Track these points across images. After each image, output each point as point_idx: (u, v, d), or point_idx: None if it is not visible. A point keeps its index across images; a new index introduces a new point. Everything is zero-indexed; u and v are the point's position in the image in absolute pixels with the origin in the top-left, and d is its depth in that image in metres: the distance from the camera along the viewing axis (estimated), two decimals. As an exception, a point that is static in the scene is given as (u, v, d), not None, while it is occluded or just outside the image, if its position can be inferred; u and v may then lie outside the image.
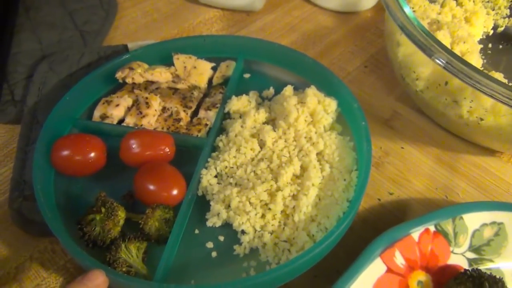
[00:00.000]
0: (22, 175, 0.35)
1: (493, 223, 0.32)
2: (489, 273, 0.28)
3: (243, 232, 0.31)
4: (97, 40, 0.47)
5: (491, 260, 0.31)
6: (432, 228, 0.31)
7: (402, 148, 0.41)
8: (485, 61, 0.49)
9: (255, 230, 0.31)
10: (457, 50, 0.42)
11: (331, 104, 0.38)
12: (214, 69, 0.44)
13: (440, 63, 0.33)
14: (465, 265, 0.30)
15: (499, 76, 0.44)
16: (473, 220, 0.32)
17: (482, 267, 0.30)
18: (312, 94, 0.38)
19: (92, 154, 0.33)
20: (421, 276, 0.29)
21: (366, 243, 0.30)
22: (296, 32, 0.54)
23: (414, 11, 0.48)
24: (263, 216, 0.32)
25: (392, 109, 0.45)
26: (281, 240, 0.31)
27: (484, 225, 0.32)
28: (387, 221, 0.36)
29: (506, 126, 0.35)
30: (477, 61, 0.42)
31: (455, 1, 0.51)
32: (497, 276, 0.28)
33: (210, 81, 0.43)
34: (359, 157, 0.34)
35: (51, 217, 0.30)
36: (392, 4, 0.37)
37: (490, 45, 0.50)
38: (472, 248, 0.31)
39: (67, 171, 0.34)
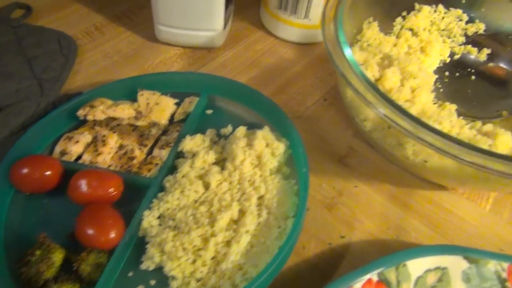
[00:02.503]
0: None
1: (437, 268, 0.32)
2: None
3: (173, 277, 0.32)
4: (55, 87, 0.47)
5: (434, 308, 0.31)
6: (375, 278, 0.31)
7: (356, 186, 0.41)
8: (442, 90, 0.49)
9: (184, 276, 0.31)
10: (407, 86, 0.42)
11: (279, 147, 0.38)
12: (180, 104, 0.45)
13: (378, 112, 0.33)
14: (407, 314, 0.31)
15: (452, 107, 0.45)
16: (417, 266, 0.32)
17: (425, 316, 0.30)
18: (261, 136, 0.39)
19: (48, 172, 0.36)
20: (362, 329, 0.29)
21: (313, 293, 0.30)
22: (257, 67, 0.54)
23: (368, 44, 0.49)
24: (194, 262, 0.32)
25: (348, 145, 0.45)
26: (206, 288, 0.31)
27: (428, 271, 0.32)
28: (338, 266, 0.36)
29: (450, 168, 0.35)
30: (427, 96, 0.43)
31: (410, 32, 0.51)
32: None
33: (173, 117, 0.44)
34: (299, 204, 0.34)
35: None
36: (333, 51, 0.37)
37: (447, 73, 0.51)
38: (415, 297, 0.31)
39: (25, 188, 0.37)
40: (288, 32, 0.57)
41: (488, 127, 0.39)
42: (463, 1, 0.51)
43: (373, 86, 0.34)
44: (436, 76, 0.50)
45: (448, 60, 0.52)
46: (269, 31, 0.59)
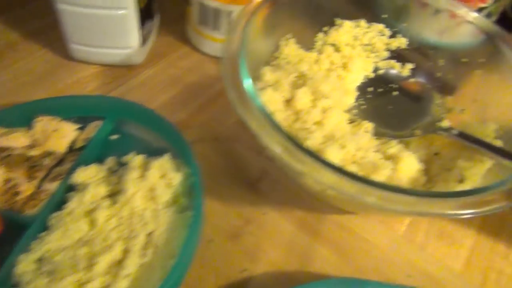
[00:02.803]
0: None
1: (329, 305, 0.31)
2: None
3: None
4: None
5: None
6: (261, 319, 0.29)
7: (265, 214, 0.40)
8: (364, 107, 0.48)
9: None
10: (319, 107, 0.41)
11: (175, 178, 0.36)
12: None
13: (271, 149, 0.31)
14: None
15: (369, 126, 0.44)
16: (308, 304, 0.31)
17: None
18: (157, 166, 0.36)
19: None
20: None
21: None
22: (179, 85, 0.52)
23: (287, 62, 0.47)
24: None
25: (263, 168, 0.43)
26: None
27: (319, 308, 0.31)
28: (236, 303, 0.34)
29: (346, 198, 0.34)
30: (339, 117, 0.41)
31: (332, 47, 0.50)
32: None
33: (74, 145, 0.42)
34: (187, 239, 0.32)
35: None
36: (230, 74, 0.35)
37: (370, 89, 0.50)
38: (302, 338, 0.30)
39: None
40: (212, 47, 0.55)
41: (394, 149, 0.38)
42: (385, 16, 0.50)
43: (272, 123, 0.32)
44: (358, 93, 0.49)
45: (372, 75, 0.51)
46: (195, 46, 0.57)
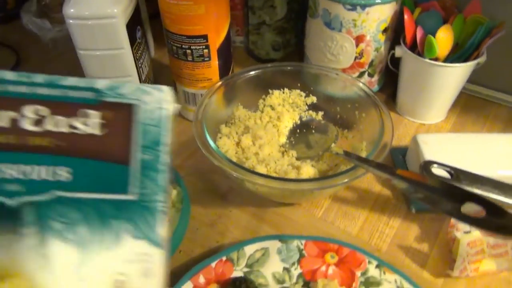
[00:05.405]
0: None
1: (262, 248, 0.55)
2: (247, 276, 0.51)
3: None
4: None
5: (258, 270, 0.53)
6: (224, 258, 0.53)
7: (231, 211, 0.65)
8: (293, 142, 0.74)
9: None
10: (256, 144, 0.68)
11: (172, 193, 0.62)
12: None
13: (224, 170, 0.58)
14: (241, 275, 0.52)
15: (293, 152, 0.70)
16: (250, 249, 0.54)
17: (252, 276, 0.52)
18: (163, 189, 0.63)
19: None
20: (214, 286, 0.51)
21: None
22: (175, 142, 0.79)
23: (239, 119, 0.75)
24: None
25: (229, 186, 0.69)
26: None
27: (257, 250, 0.54)
28: (213, 260, 0.58)
29: (271, 192, 0.59)
30: (270, 148, 0.68)
31: (270, 107, 0.78)
32: (252, 279, 0.50)
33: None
34: (178, 229, 0.57)
35: None
36: (198, 133, 0.62)
37: (298, 130, 0.77)
38: (247, 265, 0.53)
39: None
40: (194, 116, 0.83)
41: (298, 163, 0.64)
42: (299, 85, 0.78)
43: (218, 152, 0.59)
44: (290, 134, 0.76)
45: (299, 122, 0.78)
46: (183, 116, 0.85)
